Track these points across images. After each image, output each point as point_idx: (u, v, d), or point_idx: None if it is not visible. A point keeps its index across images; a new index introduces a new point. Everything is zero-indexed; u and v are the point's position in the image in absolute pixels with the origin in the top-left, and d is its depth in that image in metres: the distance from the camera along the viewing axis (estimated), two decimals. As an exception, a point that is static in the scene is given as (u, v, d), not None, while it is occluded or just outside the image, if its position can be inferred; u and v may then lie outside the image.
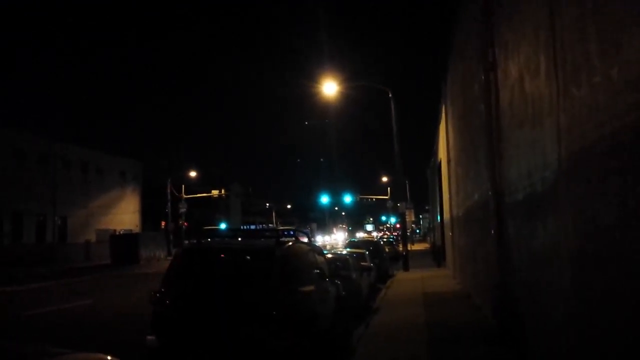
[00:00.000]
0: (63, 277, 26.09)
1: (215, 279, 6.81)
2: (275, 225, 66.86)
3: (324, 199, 62.27)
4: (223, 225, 57.32)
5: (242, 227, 44.88)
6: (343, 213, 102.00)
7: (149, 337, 6.62)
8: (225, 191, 57.29)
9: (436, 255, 29.27)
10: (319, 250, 9.49)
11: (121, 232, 45.87)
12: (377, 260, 20.82)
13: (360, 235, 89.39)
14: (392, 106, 24.82)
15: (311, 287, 7.60)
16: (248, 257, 7.08)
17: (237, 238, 8.19)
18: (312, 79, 24.81)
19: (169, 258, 43.30)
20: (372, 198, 59.59)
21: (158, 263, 38.68)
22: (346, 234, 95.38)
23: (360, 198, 59.02)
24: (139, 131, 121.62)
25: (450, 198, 19.20)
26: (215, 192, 54.26)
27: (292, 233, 9.06)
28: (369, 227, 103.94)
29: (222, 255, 7.16)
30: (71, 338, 10.39)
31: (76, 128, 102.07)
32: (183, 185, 51.25)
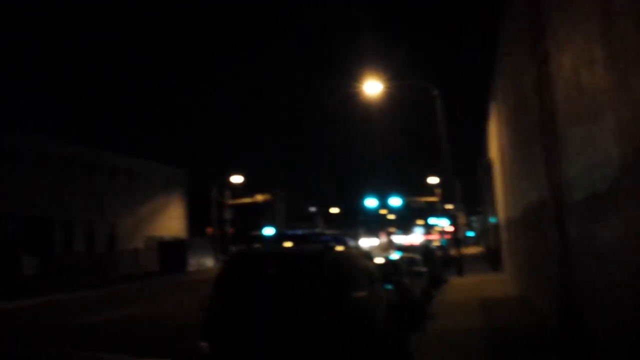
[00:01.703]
0: (113, 284, 26.57)
1: (265, 285, 6.64)
2: (320, 230, 66.71)
3: (371, 202, 61.40)
4: (267, 231, 57.52)
5: (287, 233, 45.05)
6: (391, 216, 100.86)
7: (202, 344, 6.62)
8: (269, 196, 57.49)
9: (491, 259, 28.39)
10: (369, 255, 9.19)
11: (168, 239, 46.58)
12: (429, 265, 20.27)
13: (408, 238, 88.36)
14: (439, 105, 24.26)
15: (363, 293, 7.32)
16: (297, 263, 6.86)
17: (286, 243, 7.98)
18: (354, 79, 24.41)
19: (216, 264, 43.85)
20: (421, 200, 58.67)
21: (206, 270, 39.03)
22: (394, 237, 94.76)
23: (409, 200, 58.20)
24: (184, 138, 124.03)
25: (504, 198, 18.54)
26: (259, 197, 54.48)
27: (327, 238, 8.77)
28: (419, 231, 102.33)
29: (271, 261, 6.96)
30: (123, 345, 10.39)
31: (122, 137, 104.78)
32: (228, 192, 51.67)
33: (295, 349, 6.15)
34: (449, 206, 26.72)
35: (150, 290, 23.13)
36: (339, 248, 7.29)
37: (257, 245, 7.68)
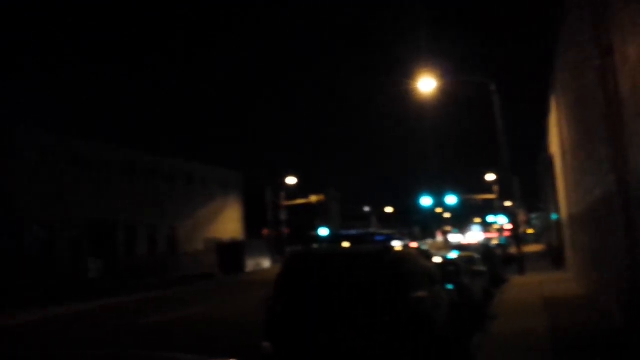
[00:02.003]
0: (174, 286, 27.30)
1: (325, 286, 6.67)
2: (375, 230, 66.39)
3: (426, 201, 60.57)
4: (321, 231, 57.76)
5: (343, 233, 45.02)
6: (447, 215, 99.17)
7: (264, 344, 6.69)
8: (323, 197, 57.74)
9: (553, 257, 27.52)
10: (429, 255, 9.09)
11: (226, 241, 47.49)
12: (489, 264, 19.83)
13: (466, 237, 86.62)
14: (496, 100, 23.73)
15: (424, 293, 7.25)
16: (357, 263, 6.87)
17: (344, 243, 7.98)
18: (408, 77, 24.08)
19: (273, 265, 44.40)
20: (478, 198, 57.47)
21: (263, 270, 39.59)
22: (450, 236, 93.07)
23: (465, 198, 57.13)
24: (240, 141, 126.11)
25: (566, 194, 17.94)
26: (313, 198, 54.83)
27: (384, 237, 8.70)
28: (476, 229, 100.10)
29: (330, 261, 6.99)
30: (187, 345, 10.67)
31: (180, 141, 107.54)
32: (282, 193, 52.23)
33: (356, 350, 6.16)
34: (508, 203, 25.98)
35: (210, 291, 23.65)
36: (398, 247, 7.25)
37: (314, 246, 7.67)
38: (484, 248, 24.18)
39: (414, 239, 63.11)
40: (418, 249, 8.96)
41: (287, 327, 6.66)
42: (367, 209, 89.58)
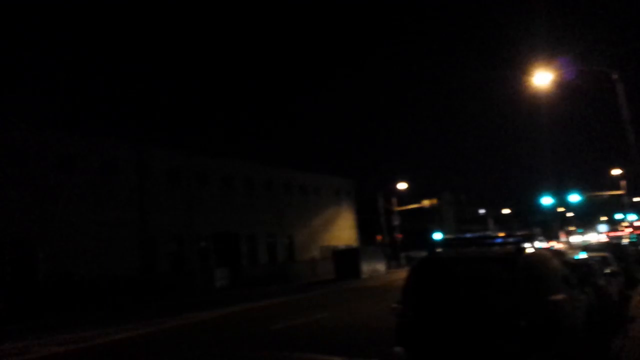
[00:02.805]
0: (296, 293, 28.11)
1: (456, 290, 6.65)
2: (491, 233, 64.10)
3: (547, 201, 57.63)
4: (436, 236, 56.74)
5: (462, 236, 43.49)
6: (570, 214, 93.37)
7: (397, 348, 6.74)
8: (436, 200, 56.83)
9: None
10: (563, 256, 8.75)
11: (342, 248, 48.15)
12: (623, 264, 18.56)
13: (592, 236, 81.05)
14: (619, 89, 22.19)
15: (560, 296, 7.01)
16: (488, 266, 6.78)
17: (471, 246, 7.89)
18: (519, 69, 23.19)
19: (389, 271, 44.34)
20: (603, 194, 53.74)
21: (379, 276, 39.67)
22: (572, 238, 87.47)
23: (589, 196, 53.65)
24: (350, 150, 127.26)
25: None
26: (426, 202, 54.14)
27: (510, 240, 8.36)
28: (602, 228, 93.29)
29: (460, 265, 6.97)
30: (320, 348, 11.02)
31: (292, 153, 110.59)
32: (395, 199, 52.08)
33: (491, 356, 6.07)
34: (638, 199, 24.14)
35: (330, 297, 24.10)
36: (531, 250, 7.08)
37: (438, 250, 7.62)
38: (617, 247, 22.60)
39: (539, 241, 60.17)
40: (551, 249, 8.62)
41: (420, 332, 6.68)
42: (482, 211, 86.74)
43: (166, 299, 27.70)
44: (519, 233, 8.17)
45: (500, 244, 7.53)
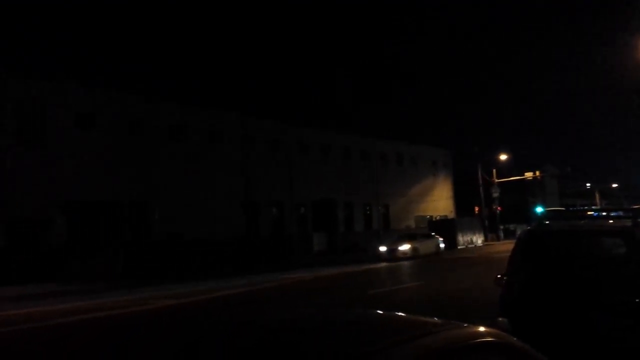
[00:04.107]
0: (391, 261, 28.42)
1: (567, 263, 6.57)
2: (598, 207, 60.64)
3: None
4: (539, 209, 54.64)
5: (569, 208, 41.48)
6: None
7: (500, 319, 6.71)
8: (539, 173, 54.61)
9: None
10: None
11: (437, 218, 47.72)
12: None
13: None
14: None
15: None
16: (604, 239, 6.64)
17: (583, 219, 7.69)
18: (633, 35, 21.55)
19: (486, 243, 43.50)
20: None
21: (476, 248, 39.09)
22: None
23: None
24: (450, 119, 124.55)
25: None
26: (528, 175, 52.21)
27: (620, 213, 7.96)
28: None
29: (573, 238, 6.86)
30: (414, 313, 11.26)
31: (389, 122, 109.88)
32: (494, 170, 50.65)
33: (601, 334, 5.93)
34: None
35: (426, 267, 24.21)
36: (647, 223, 6.81)
37: (546, 222, 7.44)
38: None
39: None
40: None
41: (527, 304, 6.61)
42: (589, 185, 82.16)
43: (267, 262, 29.03)
44: (634, 207, 7.85)
45: (614, 218, 7.27)
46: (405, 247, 29.73)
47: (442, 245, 33.28)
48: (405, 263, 26.73)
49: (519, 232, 46.07)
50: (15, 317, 13.11)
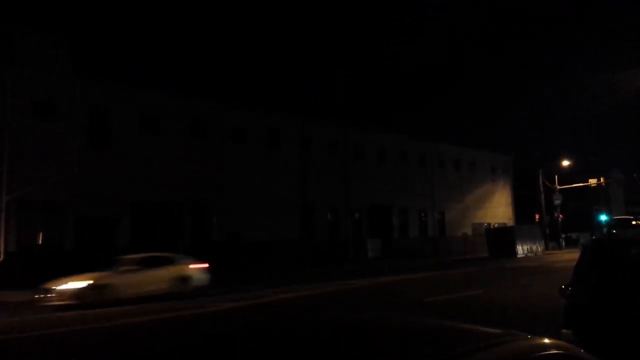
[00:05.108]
0: (446, 268, 28.05)
1: (633, 273, 6.40)
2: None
3: None
4: (603, 217, 52.67)
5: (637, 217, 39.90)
6: None
7: (564, 331, 6.59)
8: (603, 179, 52.64)
9: None
10: None
11: (495, 226, 46.73)
12: None
13: None
14: None
15: None
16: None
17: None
18: None
19: (546, 252, 42.20)
20: None
21: (536, 257, 38.00)
22: None
23: None
24: (510, 124, 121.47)
25: None
26: (592, 181, 50.52)
27: None
28: None
29: (638, 247, 6.68)
30: (482, 323, 11.09)
31: (449, 127, 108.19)
32: (556, 176, 49.21)
33: None
34: None
35: (483, 275, 23.76)
36: None
37: (612, 231, 7.22)
38: None
39: None
40: None
41: (593, 316, 6.49)
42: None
43: (323, 265, 29.24)
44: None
45: None
46: (72, 286, 15.66)
47: (193, 276, 18.55)
48: (462, 271, 26.23)
49: (582, 240, 44.66)
50: (93, 316, 13.82)
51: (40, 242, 20.19)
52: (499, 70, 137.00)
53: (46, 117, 23.81)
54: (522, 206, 51.98)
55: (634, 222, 27.61)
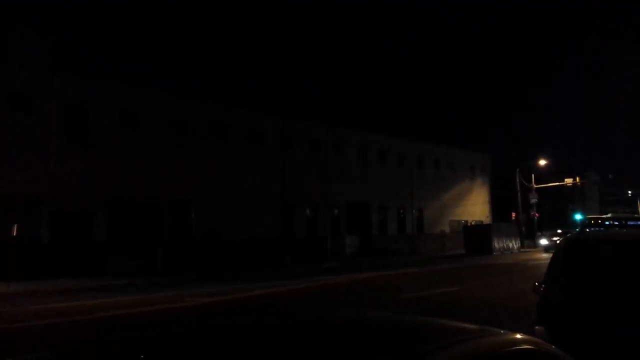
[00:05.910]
0: (424, 265, 28.28)
1: (609, 273, 6.51)
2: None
3: None
4: (578, 216, 53.58)
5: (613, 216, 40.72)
6: None
7: (538, 328, 6.68)
8: (579, 179, 53.53)
9: None
10: None
11: (473, 223, 47.24)
12: None
13: None
14: None
15: None
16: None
17: (624, 228, 7.63)
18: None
19: (522, 250, 42.81)
20: None
21: (511, 255, 38.54)
22: None
23: None
24: (487, 124, 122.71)
25: None
26: (568, 181, 51.35)
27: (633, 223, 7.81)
28: None
29: (615, 248, 6.78)
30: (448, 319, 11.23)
31: (426, 125, 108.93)
32: (533, 175, 49.89)
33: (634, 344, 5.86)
34: None
35: (459, 272, 24.02)
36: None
37: (587, 230, 7.37)
38: None
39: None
40: None
41: (566, 314, 6.53)
42: (630, 192, 79.86)
43: (301, 262, 29.27)
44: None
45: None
46: None
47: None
48: (439, 268, 26.54)
49: (540, 240, 45.21)
50: (63, 310, 13.64)
51: (14, 234, 19.77)
52: (493, 74, 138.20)
53: (23, 111, 23.39)
54: (499, 205, 52.63)
55: (607, 222, 28.25)
